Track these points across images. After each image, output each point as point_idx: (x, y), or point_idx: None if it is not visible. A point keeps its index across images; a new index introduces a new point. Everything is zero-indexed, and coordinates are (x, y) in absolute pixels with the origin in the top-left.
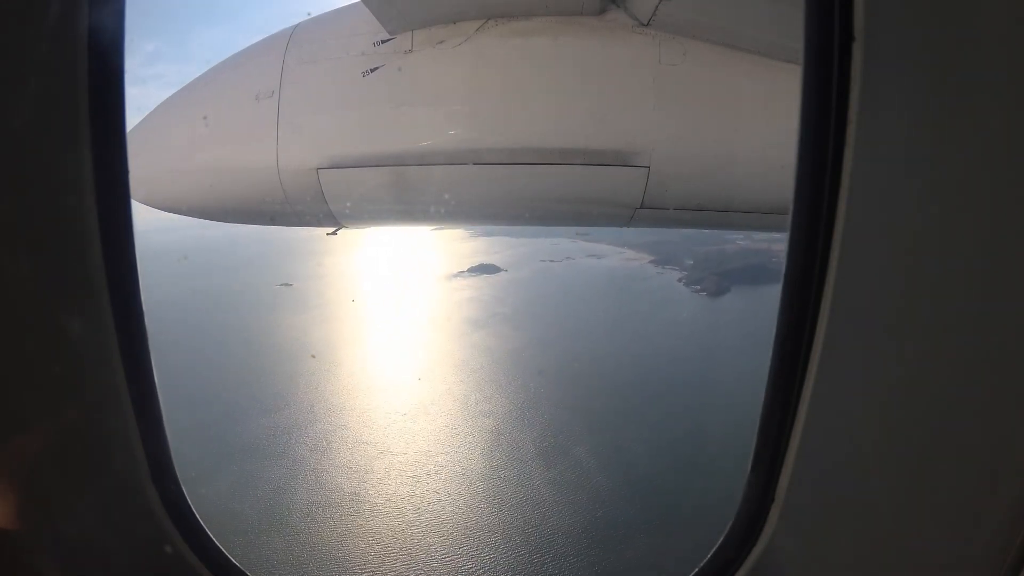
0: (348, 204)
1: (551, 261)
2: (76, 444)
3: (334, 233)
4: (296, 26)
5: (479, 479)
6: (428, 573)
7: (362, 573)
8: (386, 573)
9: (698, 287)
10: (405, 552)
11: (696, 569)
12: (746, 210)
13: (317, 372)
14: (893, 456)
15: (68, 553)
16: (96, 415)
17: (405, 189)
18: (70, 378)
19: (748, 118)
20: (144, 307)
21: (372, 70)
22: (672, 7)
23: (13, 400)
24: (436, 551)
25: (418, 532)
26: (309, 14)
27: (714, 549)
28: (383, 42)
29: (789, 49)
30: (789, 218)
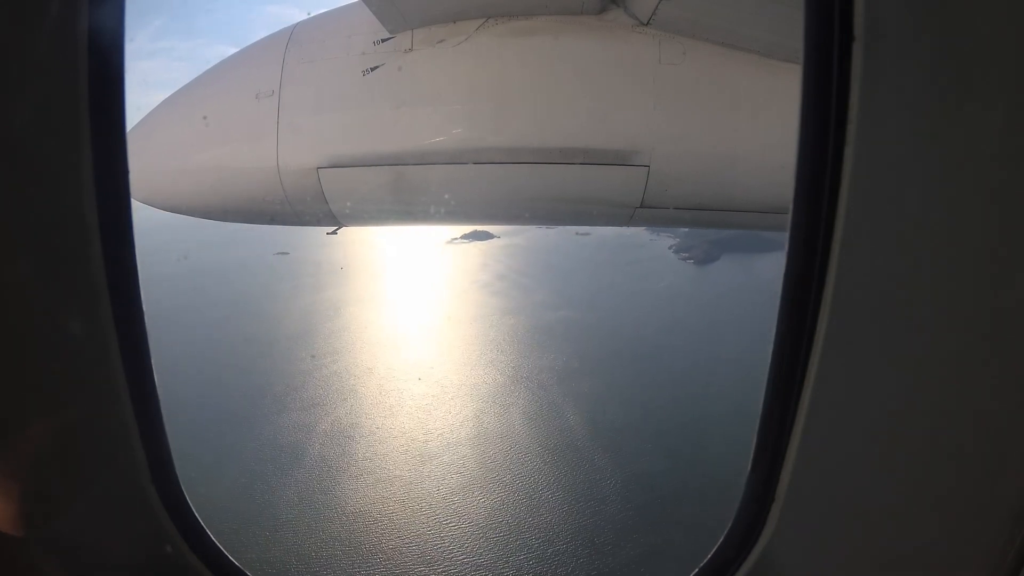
0: (348, 203)
1: (547, 227)
2: (76, 444)
3: (334, 232)
4: (296, 25)
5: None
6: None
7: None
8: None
9: (686, 255)
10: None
11: (696, 569)
12: (746, 209)
13: (294, 341)
14: (893, 455)
15: (68, 553)
16: (96, 415)
17: (405, 188)
18: (70, 378)
19: (748, 118)
20: (144, 307)
21: (372, 69)
22: (672, 7)
23: (13, 400)
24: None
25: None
26: (309, 13)
27: (714, 549)
28: (383, 41)
29: (789, 49)
30: (789, 218)
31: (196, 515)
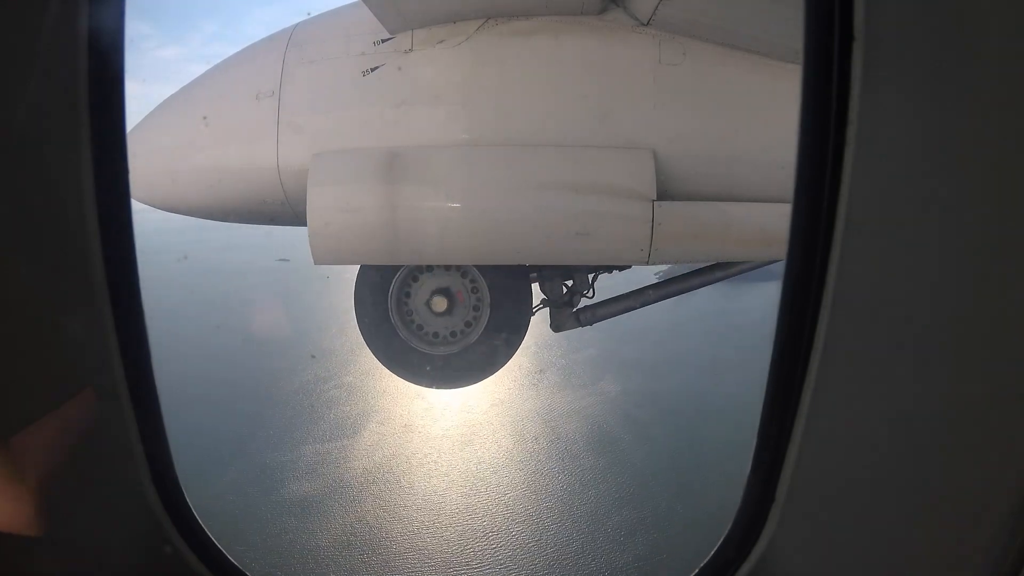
0: None
1: None
2: (76, 444)
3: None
4: (296, 25)
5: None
6: None
7: None
8: None
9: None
10: None
11: (696, 569)
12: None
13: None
14: (893, 456)
15: (68, 553)
16: (96, 415)
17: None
18: (70, 378)
19: (748, 118)
20: (144, 307)
21: (372, 69)
22: (672, 7)
23: (13, 400)
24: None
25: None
26: (309, 14)
27: (714, 549)
28: (383, 41)
29: (789, 49)
30: (789, 218)
31: (196, 515)
